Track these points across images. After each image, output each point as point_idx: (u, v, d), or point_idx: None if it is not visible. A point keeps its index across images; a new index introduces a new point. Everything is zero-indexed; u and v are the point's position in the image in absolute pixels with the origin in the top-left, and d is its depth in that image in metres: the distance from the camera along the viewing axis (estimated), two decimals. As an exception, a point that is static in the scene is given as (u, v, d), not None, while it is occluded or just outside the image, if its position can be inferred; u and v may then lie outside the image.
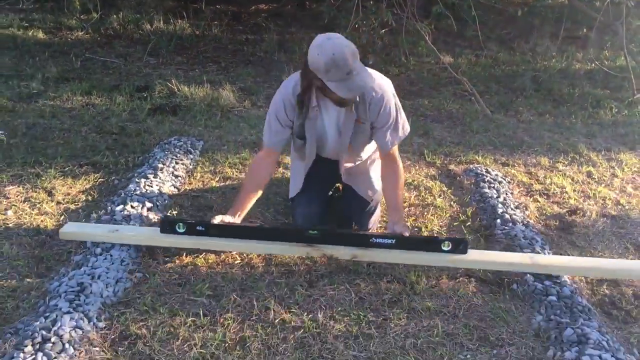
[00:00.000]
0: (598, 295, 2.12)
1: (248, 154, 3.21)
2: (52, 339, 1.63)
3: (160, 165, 2.85)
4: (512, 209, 2.66)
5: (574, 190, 3.03)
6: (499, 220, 2.54)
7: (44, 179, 2.72)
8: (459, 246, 2.15)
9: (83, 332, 1.70)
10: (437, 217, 2.63)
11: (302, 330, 1.80)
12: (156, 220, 2.40)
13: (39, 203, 2.50)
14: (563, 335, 1.80)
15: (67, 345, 1.62)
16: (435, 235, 2.44)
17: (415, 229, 2.51)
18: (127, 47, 5.68)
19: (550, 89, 5.04)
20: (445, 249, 2.15)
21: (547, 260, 2.18)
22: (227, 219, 2.20)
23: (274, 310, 1.88)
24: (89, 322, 1.74)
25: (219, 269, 2.11)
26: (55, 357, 1.58)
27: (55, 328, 1.66)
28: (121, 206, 2.41)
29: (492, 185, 2.92)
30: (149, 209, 2.45)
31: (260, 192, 2.32)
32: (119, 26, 6.26)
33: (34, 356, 1.56)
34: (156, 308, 1.86)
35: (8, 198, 2.52)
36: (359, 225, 2.43)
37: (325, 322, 1.85)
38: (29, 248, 2.17)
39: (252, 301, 1.92)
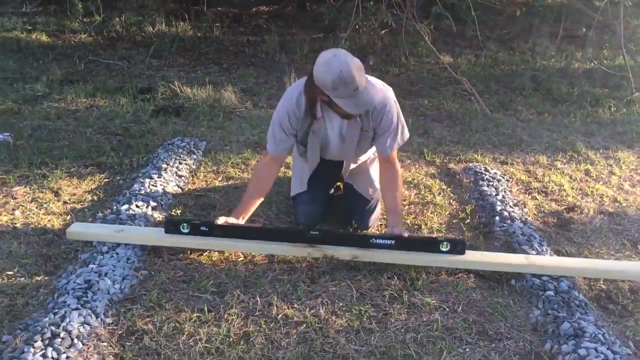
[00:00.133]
0: (595, 290, 2.16)
1: (250, 154, 3.26)
2: (61, 334, 1.67)
3: (164, 166, 2.90)
4: (510, 206, 2.70)
5: (572, 188, 3.07)
6: (497, 218, 2.58)
7: (50, 179, 2.76)
8: (457, 247, 2.19)
9: (91, 327, 1.74)
10: (436, 214, 2.67)
11: (304, 325, 1.84)
12: (161, 219, 2.45)
13: (45, 203, 2.55)
14: (560, 329, 1.84)
15: (75, 341, 1.67)
16: (434, 235, 2.48)
17: (415, 227, 2.55)
18: (130, 50, 5.73)
19: (549, 88, 5.08)
20: (443, 249, 2.19)
21: (543, 261, 2.20)
22: (231, 220, 2.25)
23: (276, 306, 1.93)
24: (97, 318, 1.79)
25: (222, 266, 2.16)
26: (64, 352, 1.62)
27: (64, 324, 1.71)
28: (126, 205, 2.46)
29: (491, 183, 2.96)
30: (153, 208, 2.50)
31: (263, 196, 2.37)
32: (122, 29, 6.32)
33: (43, 351, 1.61)
34: (162, 304, 1.91)
35: (15, 198, 2.57)
36: (360, 223, 2.47)
37: (327, 317, 1.89)
38: (37, 247, 2.21)
39: (256, 297, 1.97)
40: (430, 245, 2.21)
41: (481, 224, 2.61)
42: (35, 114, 3.72)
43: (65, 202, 2.58)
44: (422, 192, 2.90)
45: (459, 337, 1.84)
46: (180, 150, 3.15)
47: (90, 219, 2.43)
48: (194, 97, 4.21)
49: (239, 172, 3.04)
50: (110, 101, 4.09)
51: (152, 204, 2.52)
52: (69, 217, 2.46)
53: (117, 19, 6.48)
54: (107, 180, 2.85)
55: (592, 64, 5.84)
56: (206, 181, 2.93)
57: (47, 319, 1.73)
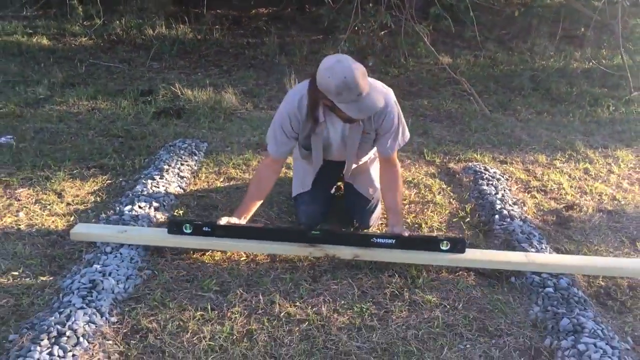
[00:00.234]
0: (594, 286, 2.18)
1: (251, 155, 3.28)
2: (67, 333, 1.69)
3: (166, 167, 2.92)
4: (510, 205, 2.72)
5: (571, 187, 3.09)
6: (497, 216, 2.60)
7: (53, 181, 2.79)
8: (457, 245, 2.21)
9: (96, 326, 1.76)
10: (436, 213, 2.69)
11: (306, 323, 1.87)
12: (163, 220, 2.47)
13: (49, 204, 2.57)
14: (559, 325, 1.86)
15: (81, 339, 1.69)
16: (435, 234, 2.50)
17: (416, 226, 2.57)
18: (130, 52, 5.76)
19: (548, 88, 5.10)
20: (444, 248, 2.20)
21: (543, 258, 2.22)
22: (233, 220, 2.27)
23: (279, 304, 1.95)
24: (102, 316, 1.81)
25: (225, 265, 2.18)
26: (70, 350, 1.64)
27: (69, 323, 1.73)
28: (129, 206, 2.48)
29: (491, 182, 2.98)
30: (156, 209, 2.52)
31: (264, 197, 2.40)
32: (122, 32, 6.34)
33: (50, 349, 1.63)
34: (166, 303, 1.93)
35: (19, 200, 2.60)
36: (361, 223, 2.49)
37: (329, 315, 1.91)
38: (41, 248, 2.24)
39: (258, 296, 1.99)
40: (430, 244, 2.23)
41: (481, 222, 2.63)
42: (38, 117, 3.74)
43: (68, 204, 2.61)
44: (422, 191, 2.93)
45: (459, 334, 1.86)
46: (182, 152, 3.17)
47: (93, 220, 2.46)
48: (194, 99, 4.23)
49: (240, 172, 3.06)
50: (111, 103, 4.12)
51: (155, 204, 2.54)
52: (72, 218, 2.48)
53: (118, 22, 6.51)
54: (109, 181, 2.87)
55: (591, 63, 5.86)
56: (208, 182, 2.95)
57: (53, 318, 1.75)
